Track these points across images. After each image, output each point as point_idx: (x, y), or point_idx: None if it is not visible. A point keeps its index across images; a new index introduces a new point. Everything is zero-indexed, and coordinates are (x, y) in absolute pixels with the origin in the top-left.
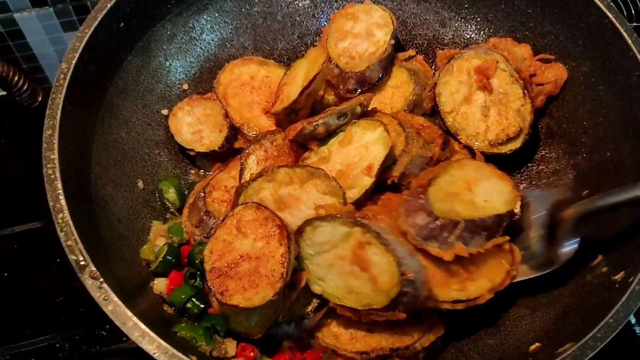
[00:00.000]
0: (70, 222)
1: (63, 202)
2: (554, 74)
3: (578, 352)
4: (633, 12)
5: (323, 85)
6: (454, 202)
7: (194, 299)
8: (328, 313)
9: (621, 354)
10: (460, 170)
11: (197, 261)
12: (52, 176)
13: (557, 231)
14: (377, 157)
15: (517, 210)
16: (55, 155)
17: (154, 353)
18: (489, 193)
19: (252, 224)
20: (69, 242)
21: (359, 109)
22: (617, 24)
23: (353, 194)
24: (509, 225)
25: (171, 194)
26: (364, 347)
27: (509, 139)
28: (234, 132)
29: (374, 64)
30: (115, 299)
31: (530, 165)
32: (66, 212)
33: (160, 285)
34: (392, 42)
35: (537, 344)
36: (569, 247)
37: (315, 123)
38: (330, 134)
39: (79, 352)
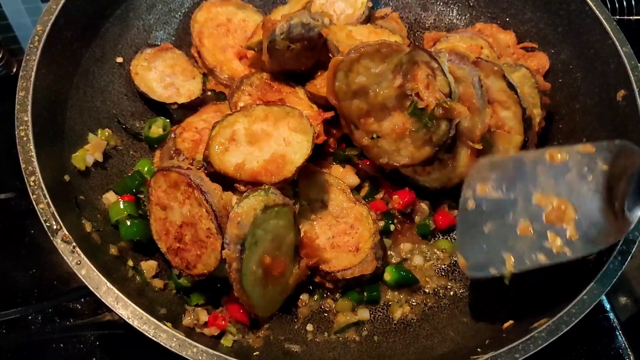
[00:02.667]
0: (43, 185)
1: (35, 164)
2: (537, 62)
3: (553, 327)
4: (617, 5)
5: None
6: None
7: (130, 220)
8: None
9: (593, 333)
10: None
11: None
12: (25, 138)
13: (620, 189)
14: None
15: None
16: (28, 117)
17: (128, 318)
18: None
19: (168, 193)
20: (41, 206)
21: (327, 21)
22: (597, 12)
23: None
24: None
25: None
26: None
27: None
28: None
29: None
30: (89, 263)
31: None
32: (38, 175)
33: (110, 197)
34: (370, 4)
35: (510, 322)
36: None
37: (288, 19)
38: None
39: (52, 325)
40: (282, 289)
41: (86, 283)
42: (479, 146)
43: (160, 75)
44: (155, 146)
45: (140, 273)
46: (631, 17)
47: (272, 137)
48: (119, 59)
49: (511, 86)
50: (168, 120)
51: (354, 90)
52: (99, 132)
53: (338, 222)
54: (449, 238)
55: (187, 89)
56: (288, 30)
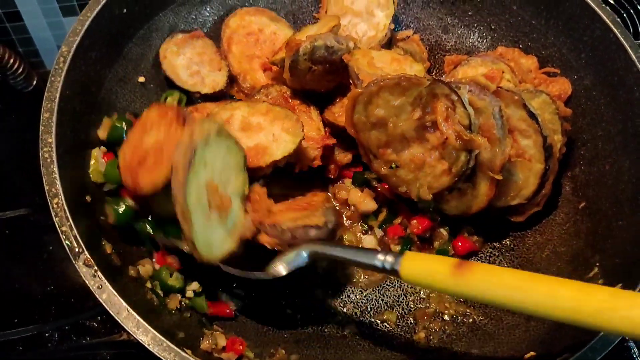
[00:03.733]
0: (66, 208)
1: (59, 186)
2: (559, 88)
3: None
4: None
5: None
6: None
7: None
8: None
9: None
10: None
11: None
12: (49, 159)
13: None
14: None
15: None
16: (52, 139)
17: (149, 345)
18: None
19: (156, 120)
20: (64, 228)
21: (352, 45)
22: (622, 39)
23: None
24: None
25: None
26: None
27: None
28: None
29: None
30: (110, 287)
31: None
32: (61, 197)
33: (97, 154)
34: (392, 26)
35: (531, 353)
36: None
37: (312, 41)
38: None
39: (68, 342)
40: (226, 232)
41: (107, 308)
42: (499, 177)
43: (188, 62)
44: None
45: (157, 294)
46: None
47: (263, 130)
48: (141, 79)
49: (532, 115)
50: (185, 96)
51: (373, 122)
52: None
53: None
54: None
55: (212, 79)
56: (311, 52)
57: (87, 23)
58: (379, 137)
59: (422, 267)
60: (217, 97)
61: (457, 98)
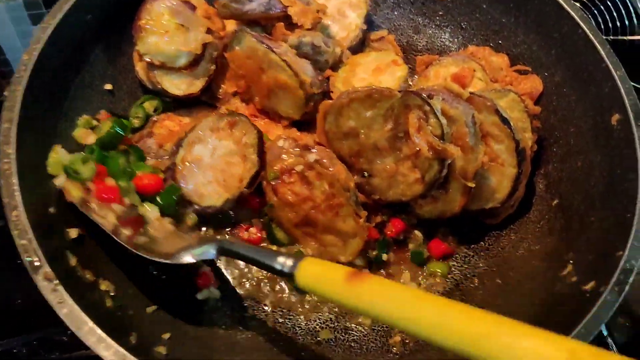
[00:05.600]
0: (25, 220)
1: (18, 198)
2: (530, 85)
3: None
4: (610, 25)
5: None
6: None
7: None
8: None
9: None
10: None
11: None
12: (8, 171)
13: None
14: None
15: None
16: (12, 150)
17: None
18: None
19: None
20: (23, 242)
21: (338, 51)
22: (591, 35)
23: None
24: None
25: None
26: None
27: None
28: None
29: (344, 51)
30: (71, 302)
31: None
32: (21, 209)
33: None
34: (364, 26)
35: None
36: None
37: (300, 36)
38: None
39: (37, 357)
40: None
41: (67, 323)
42: (471, 184)
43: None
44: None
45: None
46: (625, 38)
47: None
48: (108, 86)
49: (504, 120)
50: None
51: (345, 132)
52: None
53: None
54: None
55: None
56: (297, 45)
57: (50, 30)
58: (351, 146)
59: (318, 273)
60: (188, 101)
61: (429, 108)
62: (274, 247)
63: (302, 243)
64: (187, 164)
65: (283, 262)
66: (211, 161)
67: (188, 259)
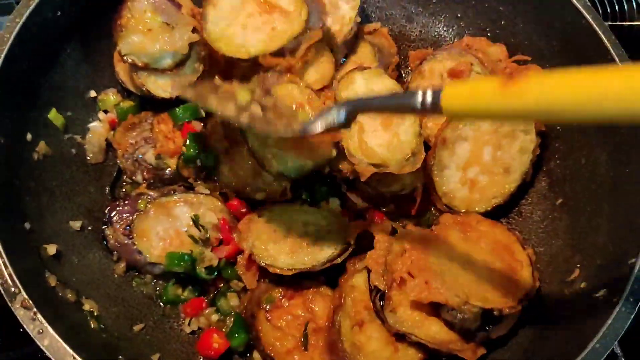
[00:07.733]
0: None
1: None
2: None
3: None
4: (609, 10)
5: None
6: None
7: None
8: None
9: None
10: None
11: None
12: None
13: None
14: None
15: None
16: None
17: None
18: None
19: None
20: None
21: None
22: (595, 25)
23: None
24: None
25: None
26: None
27: None
28: None
29: (339, 46)
30: (51, 331)
31: None
32: None
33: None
34: (358, 19)
35: None
36: None
37: None
38: None
39: None
40: None
41: (49, 355)
42: None
43: None
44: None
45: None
46: (624, 23)
47: None
48: (82, 87)
49: None
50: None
51: None
52: None
53: None
54: None
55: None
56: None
57: (16, 30)
58: None
59: (467, 92)
60: (178, 102)
61: None
62: None
63: None
64: None
65: (422, 96)
66: None
67: (315, 128)
